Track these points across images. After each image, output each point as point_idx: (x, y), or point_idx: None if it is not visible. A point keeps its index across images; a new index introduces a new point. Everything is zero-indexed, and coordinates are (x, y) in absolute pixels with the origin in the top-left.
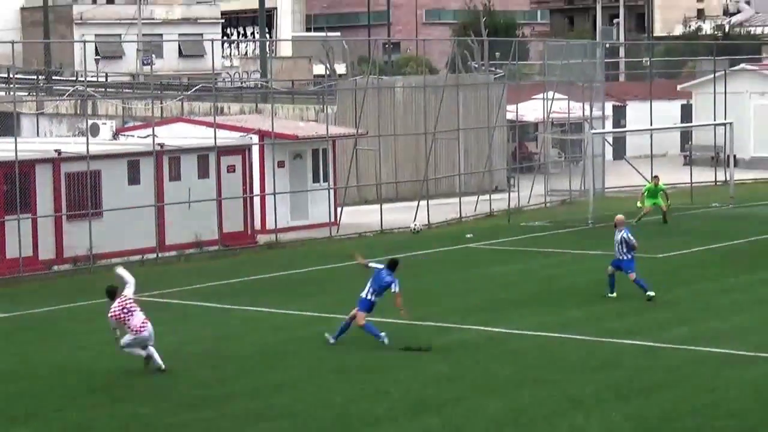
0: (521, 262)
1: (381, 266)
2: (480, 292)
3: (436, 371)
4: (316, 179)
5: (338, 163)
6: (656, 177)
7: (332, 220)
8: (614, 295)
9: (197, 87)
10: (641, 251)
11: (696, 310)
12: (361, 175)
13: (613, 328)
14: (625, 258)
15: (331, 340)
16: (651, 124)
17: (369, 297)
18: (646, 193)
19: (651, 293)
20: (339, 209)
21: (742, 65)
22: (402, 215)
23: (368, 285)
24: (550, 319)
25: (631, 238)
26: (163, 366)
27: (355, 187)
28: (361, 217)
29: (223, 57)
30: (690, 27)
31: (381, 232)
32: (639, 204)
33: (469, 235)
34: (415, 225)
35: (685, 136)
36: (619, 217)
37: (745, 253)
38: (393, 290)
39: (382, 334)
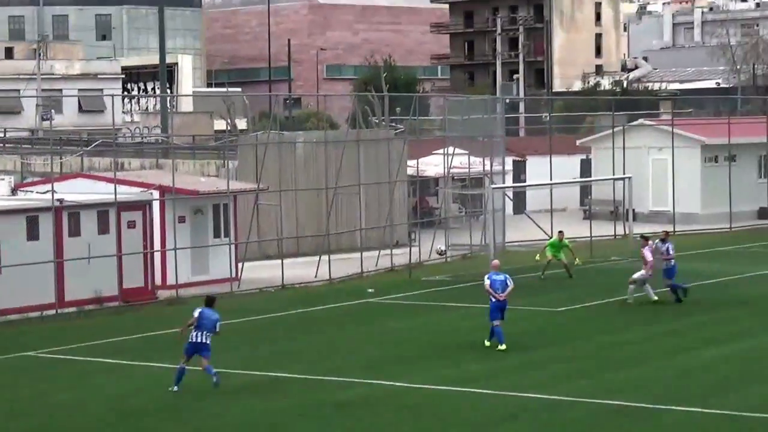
0: (422, 316)
1: (200, 308)
2: (381, 347)
3: (337, 426)
4: (217, 234)
5: (239, 218)
6: (561, 232)
7: (233, 275)
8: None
9: (97, 142)
10: (540, 304)
11: (595, 363)
12: (262, 230)
13: (513, 381)
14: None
15: (175, 389)
16: (551, 179)
17: (204, 340)
18: (548, 248)
19: (502, 347)
20: (240, 264)
21: (641, 120)
22: (303, 270)
23: (197, 330)
24: (451, 373)
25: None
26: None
27: (257, 243)
28: (262, 272)
29: (123, 112)
30: (589, 83)
31: (282, 287)
32: (537, 257)
33: (370, 290)
34: (441, 248)
35: (585, 191)
36: (495, 262)
37: (643, 306)
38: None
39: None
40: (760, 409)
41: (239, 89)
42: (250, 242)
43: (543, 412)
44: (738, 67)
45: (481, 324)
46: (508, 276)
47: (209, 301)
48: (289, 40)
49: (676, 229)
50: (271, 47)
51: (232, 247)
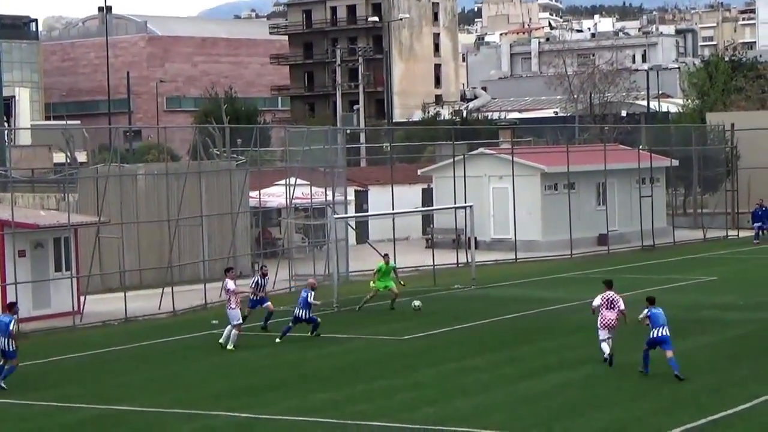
0: (268, 347)
1: None
2: (227, 378)
3: None
4: (58, 268)
5: (81, 252)
6: (386, 255)
7: (75, 308)
8: None
9: None
10: (385, 333)
11: (442, 390)
12: (104, 263)
13: (361, 410)
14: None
15: None
16: (393, 208)
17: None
18: (378, 273)
19: None
20: (82, 298)
21: (481, 149)
22: (147, 303)
23: None
24: (298, 403)
25: (310, 300)
26: None
27: (99, 275)
28: (105, 305)
29: None
30: (429, 113)
31: (125, 320)
32: (372, 283)
33: (214, 321)
34: (416, 304)
35: (427, 220)
36: (311, 281)
37: (487, 333)
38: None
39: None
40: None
41: (78, 122)
42: (92, 275)
43: None
44: (575, 96)
45: (327, 353)
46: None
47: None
48: (128, 72)
49: (517, 257)
50: (110, 80)
51: (74, 280)
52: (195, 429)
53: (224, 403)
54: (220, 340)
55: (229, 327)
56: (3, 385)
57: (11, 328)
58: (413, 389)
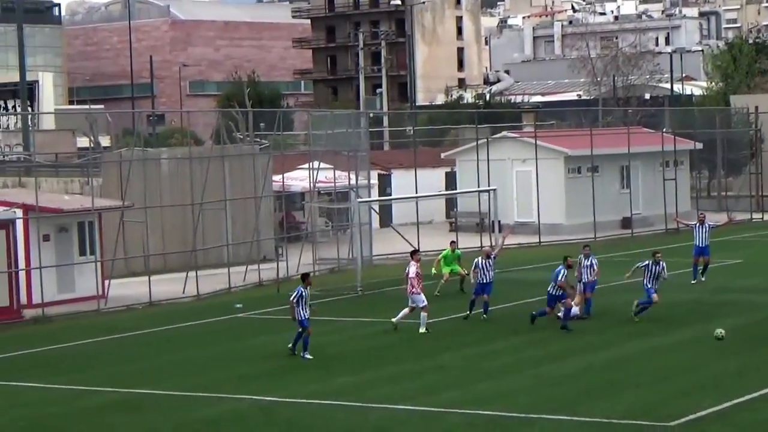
0: (291, 330)
1: None
2: (250, 362)
3: None
4: (82, 252)
5: (105, 236)
6: (453, 242)
7: (100, 293)
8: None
9: None
10: (409, 317)
11: (466, 373)
12: (128, 247)
13: (385, 393)
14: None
15: None
16: (416, 192)
17: None
18: (442, 260)
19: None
20: (106, 282)
21: (504, 133)
22: (170, 287)
23: None
24: (322, 386)
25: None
26: None
27: (123, 260)
28: (129, 289)
29: None
30: (452, 96)
31: (150, 303)
32: (434, 270)
33: (238, 305)
34: (720, 332)
35: (450, 203)
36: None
37: (511, 316)
38: None
39: None
40: (628, 415)
41: (102, 106)
42: (116, 259)
43: (414, 423)
44: (598, 79)
45: (349, 336)
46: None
47: None
48: (151, 57)
49: (541, 240)
50: (133, 64)
51: (98, 264)
52: (219, 413)
53: (248, 387)
54: (393, 320)
55: (405, 311)
56: None
57: None
58: (437, 372)
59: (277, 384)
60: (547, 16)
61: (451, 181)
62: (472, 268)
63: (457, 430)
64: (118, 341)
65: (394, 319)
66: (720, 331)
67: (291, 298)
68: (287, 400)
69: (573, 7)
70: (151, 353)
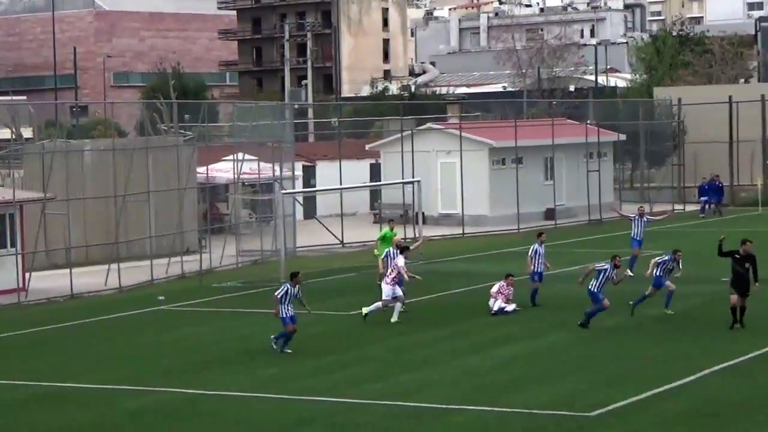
0: (214, 322)
1: None
2: (174, 354)
3: None
4: (2, 245)
5: (26, 228)
6: (392, 221)
7: (20, 285)
8: None
9: None
10: (332, 308)
11: (390, 365)
12: (50, 239)
13: (308, 385)
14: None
15: None
16: (341, 184)
17: None
18: (380, 241)
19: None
20: (27, 274)
21: (429, 125)
22: (93, 279)
23: None
24: (246, 378)
25: None
26: None
27: (44, 252)
28: (50, 281)
29: None
30: (377, 88)
31: (71, 296)
32: (376, 252)
33: (161, 298)
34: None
35: (375, 195)
36: None
37: (435, 308)
38: None
39: None
40: (550, 406)
41: (24, 97)
42: (37, 252)
43: (337, 415)
44: (523, 71)
45: (273, 329)
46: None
47: None
48: (74, 48)
49: (465, 232)
50: (57, 55)
51: (19, 257)
52: (143, 405)
53: (172, 379)
54: (365, 310)
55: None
56: None
57: None
58: (360, 364)
59: (201, 376)
60: (473, 8)
61: (375, 172)
62: (381, 257)
63: (380, 422)
64: (39, 334)
65: (365, 309)
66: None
67: (276, 294)
68: (211, 392)
69: (499, 0)
70: (73, 346)
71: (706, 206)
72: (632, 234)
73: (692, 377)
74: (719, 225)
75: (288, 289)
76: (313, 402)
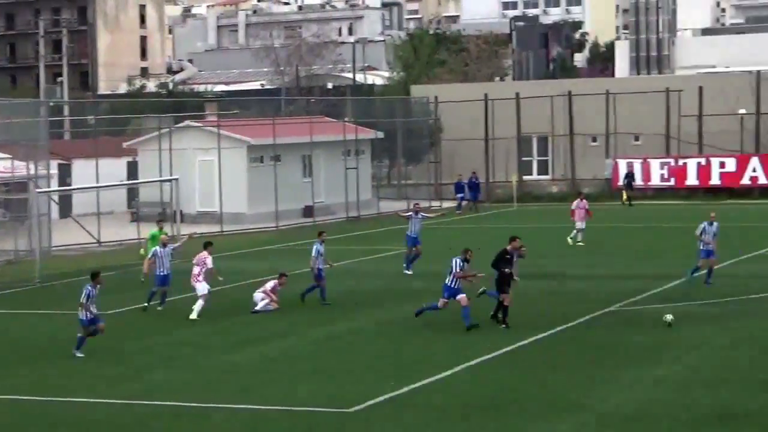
0: None
1: None
2: None
3: None
4: None
5: None
6: (161, 221)
7: None
8: None
9: None
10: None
11: (147, 364)
12: None
13: (62, 386)
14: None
15: None
16: (97, 182)
17: None
18: (150, 240)
19: None
20: None
21: (187, 122)
22: None
23: None
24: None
25: None
26: None
27: None
28: None
29: None
30: (134, 85)
31: None
32: (142, 251)
33: None
34: (668, 318)
35: (132, 193)
36: None
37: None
38: None
39: None
40: (307, 402)
41: None
42: None
43: (93, 416)
44: (282, 68)
45: (28, 329)
46: None
47: None
48: None
49: (224, 229)
50: None
51: None
52: None
53: None
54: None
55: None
56: None
57: None
58: (119, 364)
59: None
60: (231, 5)
61: (133, 171)
62: (149, 256)
63: (139, 422)
64: None
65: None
66: (668, 317)
67: (80, 300)
68: None
69: None
70: None
71: (462, 203)
72: (408, 231)
73: (449, 372)
74: (476, 221)
75: (89, 291)
76: (69, 403)
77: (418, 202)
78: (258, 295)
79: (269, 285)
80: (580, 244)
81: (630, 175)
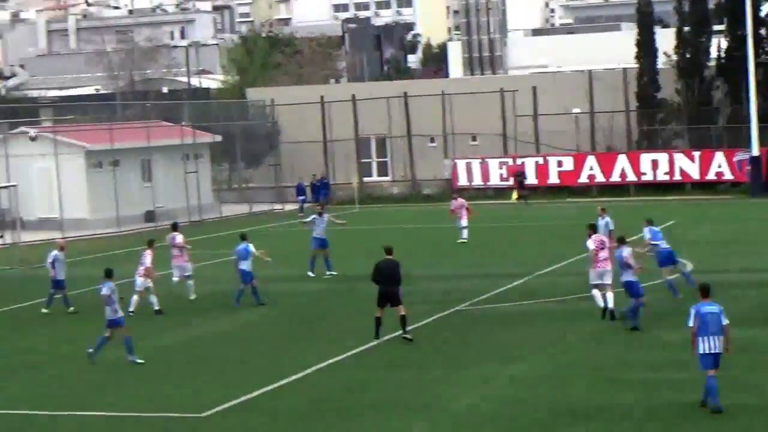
0: None
1: None
2: None
3: None
4: None
5: None
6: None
7: None
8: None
9: None
10: None
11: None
12: None
13: None
14: None
15: None
16: None
17: None
18: None
19: None
20: None
21: (22, 128)
22: None
23: None
24: None
25: None
26: None
27: None
28: None
29: None
30: None
31: None
32: None
33: None
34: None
35: None
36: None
37: (38, 315)
38: None
39: None
40: (159, 408)
41: None
42: None
43: None
44: (116, 73)
45: None
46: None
47: None
48: None
49: (66, 236)
50: None
51: None
52: None
53: None
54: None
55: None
56: None
57: None
58: None
59: None
60: (60, 9)
61: None
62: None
63: None
64: None
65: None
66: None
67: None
68: None
69: (87, 1)
70: None
71: (304, 205)
72: (314, 234)
73: (300, 374)
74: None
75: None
76: None
77: (322, 204)
78: (139, 280)
79: (147, 260)
80: (464, 240)
81: (521, 174)
